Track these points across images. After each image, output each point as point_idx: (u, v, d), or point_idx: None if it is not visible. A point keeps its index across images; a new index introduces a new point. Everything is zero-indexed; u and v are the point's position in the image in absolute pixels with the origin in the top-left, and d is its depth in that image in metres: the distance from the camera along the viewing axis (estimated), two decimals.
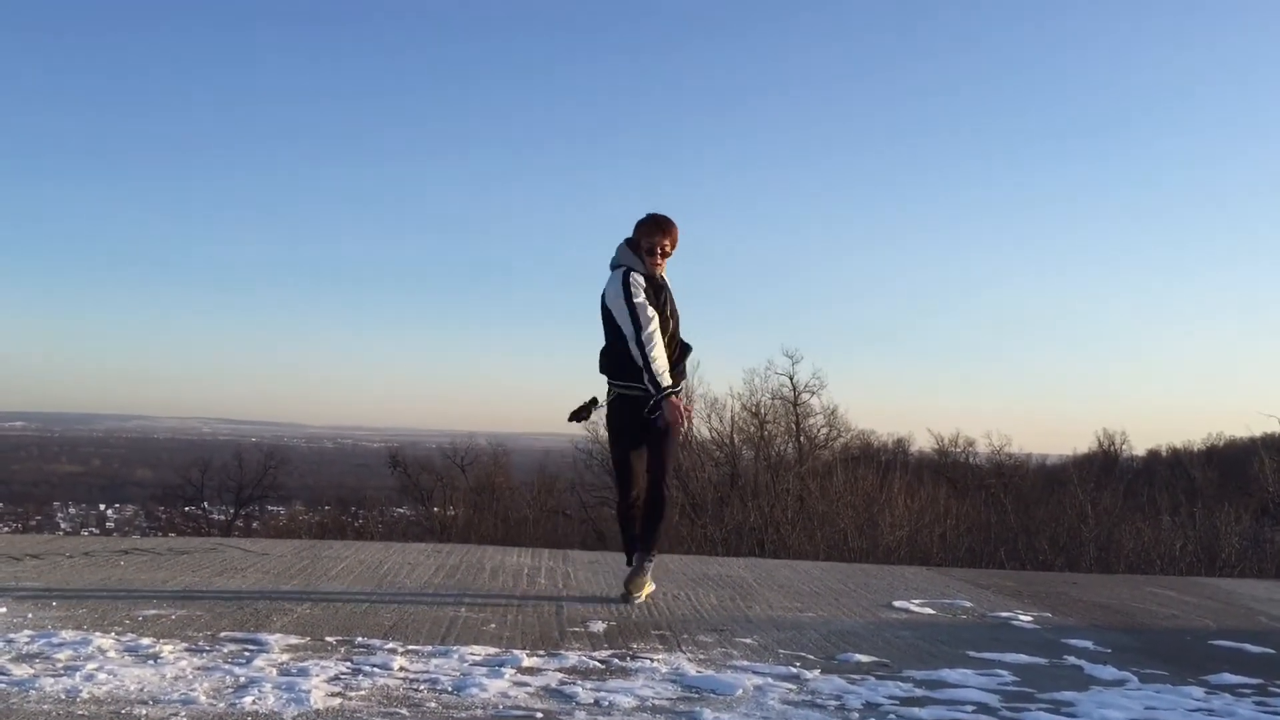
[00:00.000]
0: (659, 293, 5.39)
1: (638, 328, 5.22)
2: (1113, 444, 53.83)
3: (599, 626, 4.85)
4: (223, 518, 52.50)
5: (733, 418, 34.90)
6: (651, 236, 5.39)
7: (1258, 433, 37.92)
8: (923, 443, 46.98)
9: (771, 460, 31.99)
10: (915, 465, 38.79)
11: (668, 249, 5.43)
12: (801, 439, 36.38)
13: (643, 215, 5.48)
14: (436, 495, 44.88)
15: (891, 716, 3.57)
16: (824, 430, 37.75)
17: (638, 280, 5.30)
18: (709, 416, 35.11)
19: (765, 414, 35.70)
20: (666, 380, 5.23)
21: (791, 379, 36.95)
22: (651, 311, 5.25)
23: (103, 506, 73.07)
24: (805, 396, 37.02)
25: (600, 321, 5.49)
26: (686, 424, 5.09)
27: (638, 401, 5.37)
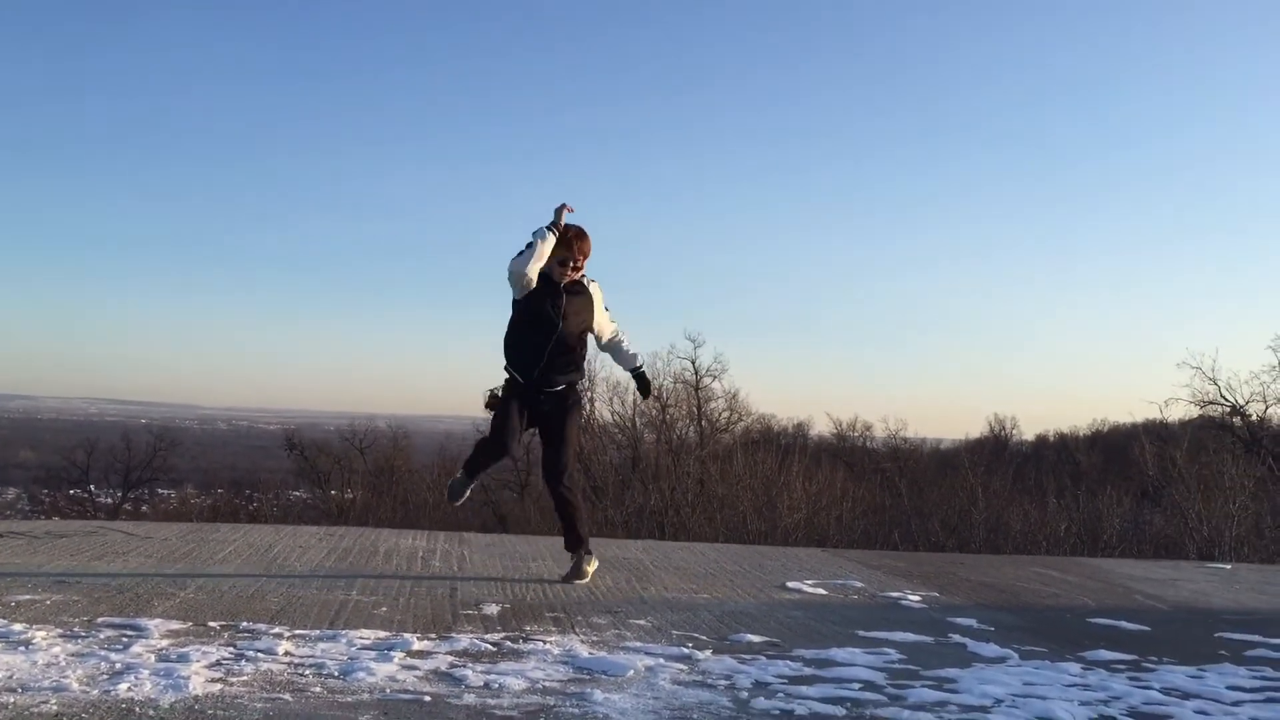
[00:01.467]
0: (558, 297, 5.46)
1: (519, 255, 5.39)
2: (1003, 429, 55.50)
3: (492, 609, 4.81)
4: (110, 501, 50.96)
5: (634, 401, 35.04)
6: (561, 249, 5.44)
7: (1139, 418, 39.48)
8: (822, 427, 47.83)
9: (673, 444, 32.20)
10: (814, 449, 39.45)
11: (579, 262, 5.49)
12: (703, 423, 36.69)
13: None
14: (334, 478, 44.28)
15: (780, 695, 3.61)
16: (725, 414, 38.17)
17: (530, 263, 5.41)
18: (611, 400, 35.22)
19: (667, 398, 35.88)
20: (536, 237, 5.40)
21: (694, 363, 37.26)
22: (528, 266, 5.37)
23: None
24: (707, 380, 37.38)
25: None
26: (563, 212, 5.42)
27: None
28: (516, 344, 5.54)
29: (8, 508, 58.16)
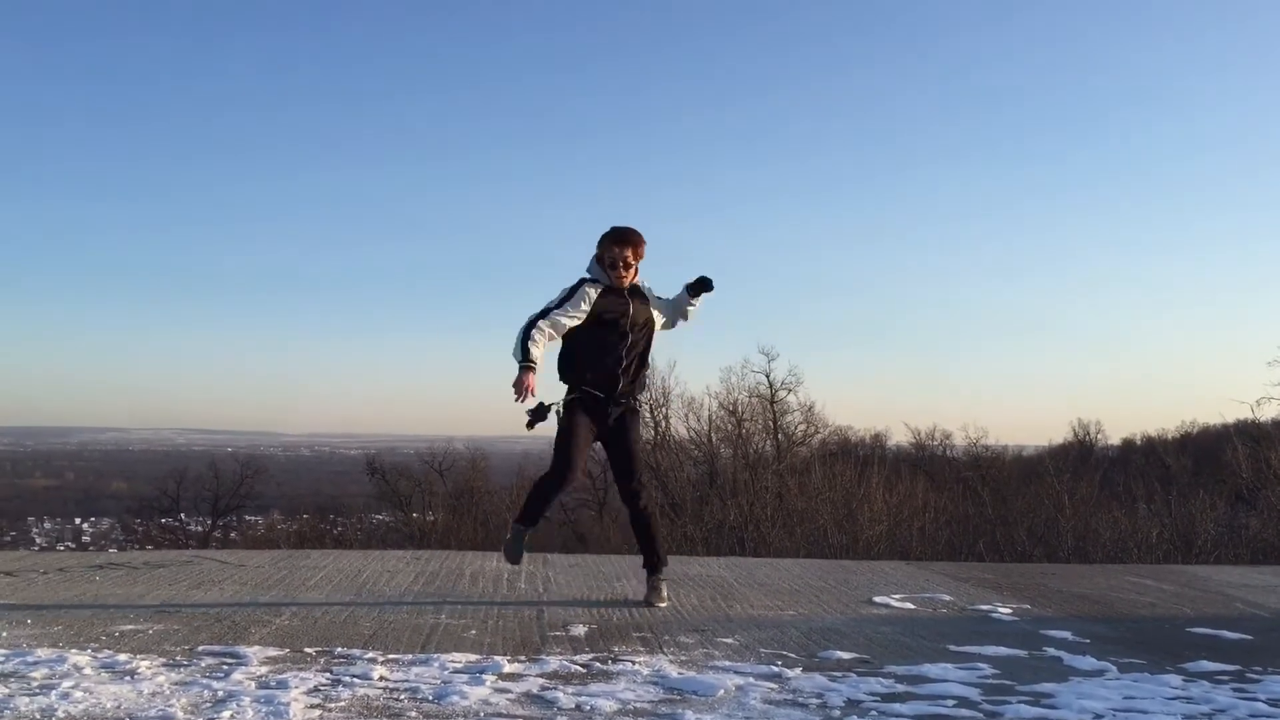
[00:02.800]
0: (620, 304, 5.41)
1: (543, 311, 5.30)
2: (1088, 434, 54.26)
3: (580, 630, 4.84)
4: (200, 529, 52.09)
5: (710, 416, 35.00)
6: (610, 249, 5.41)
7: (1230, 419, 38.31)
8: (900, 437, 47.21)
9: (750, 458, 32.04)
10: (893, 460, 38.92)
11: (630, 260, 5.43)
12: (779, 436, 36.49)
13: (606, 229, 5.50)
14: (415, 501, 44.75)
15: (873, 713, 3.58)
16: (801, 427, 37.91)
17: (585, 293, 5.35)
18: (686, 416, 35.19)
19: (742, 412, 35.79)
20: (516, 353, 5.25)
21: (768, 376, 37.10)
22: (562, 320, 5.30)
23: (78, 520, 72.47)
24: (782, 394, 37.18)
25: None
26: (520, 399, 5.16)
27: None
28: (591, 357, 5.41)
29: (103, 537, 59.94)
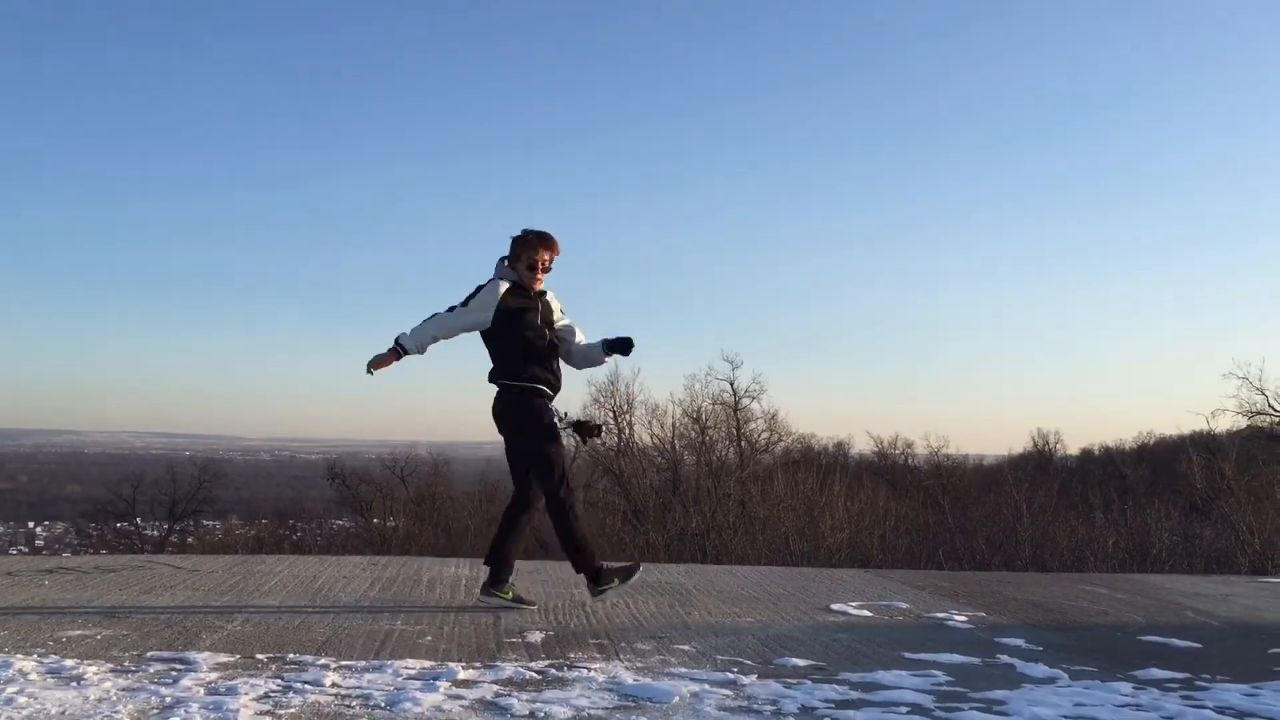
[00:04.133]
0: (534, 305, 5.41)
1: (456, 308, 5.31)
2: (1047, 444, 54.76)
3: (537, 637, 4.82)
4: (156, 533, 51.46)
5: (674, 423, 35.08)
6: (536, 251, 5.42)
7: (1186, 431, 38.86)
8: (862, 445, 47.56)
9: (713, 465, 32.12)
10: (855, 468, 39.20)
11: (548, 263, 5.46)
12: (742, 444, 36.59)
13: (520, 231, 5.49)
14: (376, 506, 44.47)
15: (826, 719, 3.59)
16: (765, 435, 38.05)
17: (494, 292, 5.33)
18: (650, 422, 35.24)
19: (706, 419, 35.90)
20: (408, 342, 5.29)
21: (732, 384, 37.21)
22: (470, 318, 5.32)
23: (31, 524, 71.23)
24: (746, 401, 37.30)
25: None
26: (370, 373, 5.25)
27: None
28: (536, 356, 5.39)
29: (56, 541, 59.00)
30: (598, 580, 5.41)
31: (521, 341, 5.36)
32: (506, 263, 5.46)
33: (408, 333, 5.30)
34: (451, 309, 5.33)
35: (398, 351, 5.27)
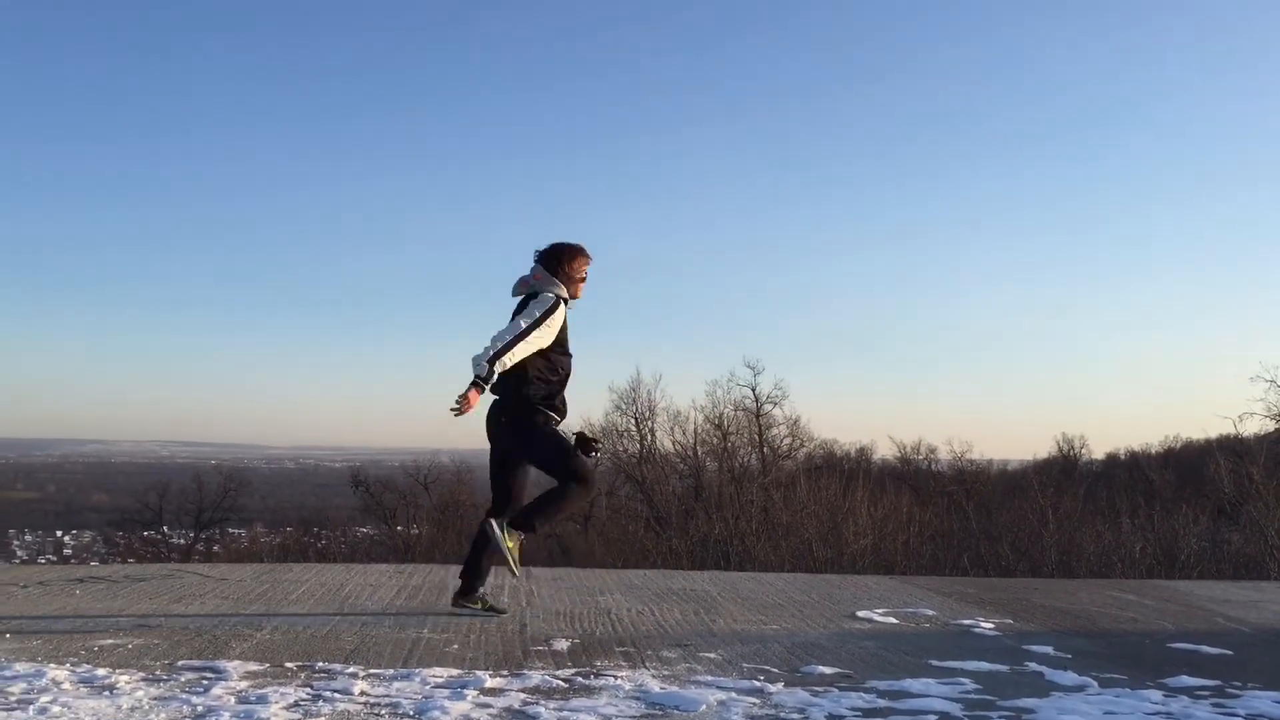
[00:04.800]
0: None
1: (530, 329, 5.17)
2: (1072, 448, 54.40)
3: (563, 644, 4.83)
4: (183, 542, 51.76)
5: (696, 430, 35.09)
6: (585, 262, 5.44)
7: (1213, 434, 38.57)
8: (885, 451, 47.28)
9: (735, 471, 32.09)
10: (878, 474, 39.01)
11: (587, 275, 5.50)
12: (765, 450, 36.56)
13: (556, 242, 5.46)
14: (400, 514, 44.65)
15: None
16: (787, 440, 38.02)
17: (561, 312, 5.29)
18: (672, 429, 35.24)
19: (728, 425, 35.89)
20: (487, 373, 5.08)
21: (754, 390, 37.20)
22: (544, 339, 5.21)
23: (59, 533, 71.91)
24: (768, 407, 37.28)
25: None
26: (458, 414, 5.05)
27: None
28: (556, 377, 5.35)
29: (84, 550, 59.50)
30: (514, 525, 5.34)
31: (558, 362, 5.35)
32: (547, 273, 5.38)
33: (484, 363, 5.05)
34: (524, 330, 5.14)
35: (479, 386, 5.06)
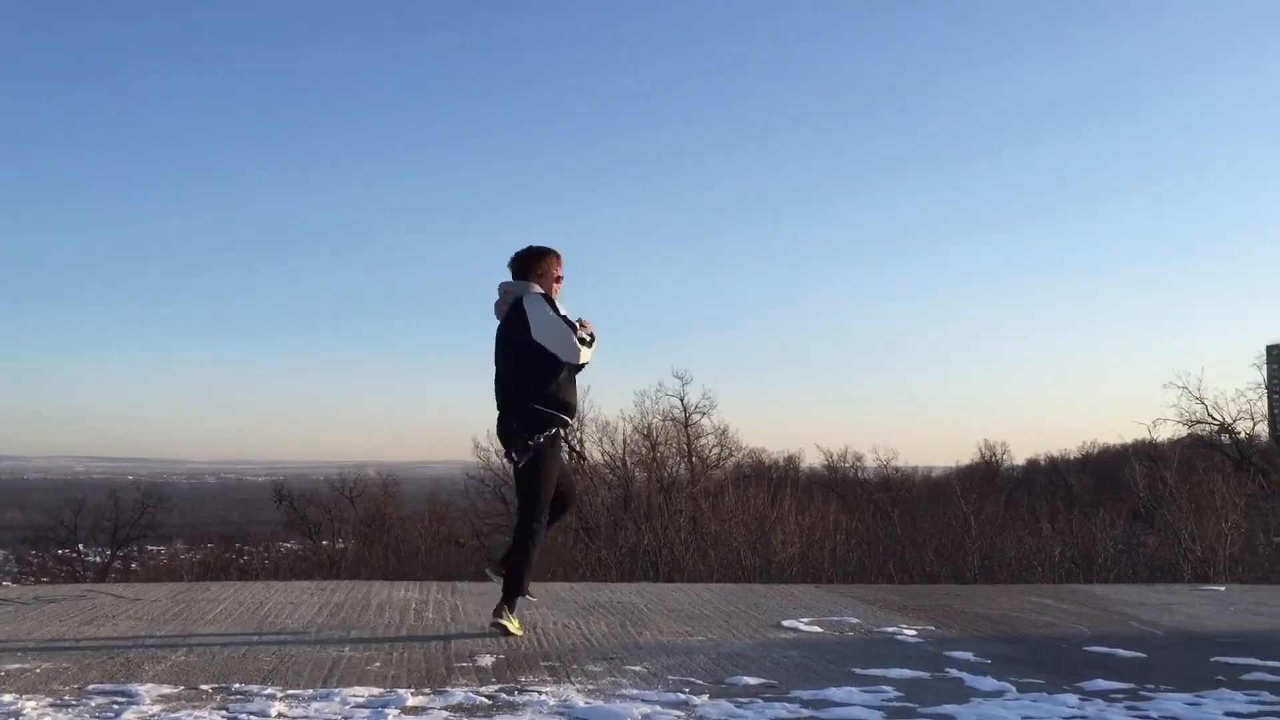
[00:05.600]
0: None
1: (572, 333, 5.29)
2: (994, 455, 55.53)
3: (487, 660, 4.78)
4: (99, 560, 50.48)
5: (624, 440, 35.06)
6: (558, 267, 5.51)
7: (1129, 439, 39.58)
8: (813, 459, 47.83)
9: (664, 481, 32.15)
10: (806, 482, 39.40)
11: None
12: (693, 459, 36.69)
13: (526, 247, 5.54)
14: (325, 529, 43.97)
15: None
16: (715, 450, 38.21)
17: (553, 304, 5.40)
18: (600, 440, 35.15)
19: (657, 436, 35.95)
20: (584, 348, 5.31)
21: (682, 400, 37.35)
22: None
23: None
24: (696, 417, 37.45)
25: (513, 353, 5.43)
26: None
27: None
28: (565, 383, 5.40)
29: None
30: (509, 607, 5.37)
31: (565, 365, 5.37)
32: (525, 278, 5.45)
33: (576, 347, 5.28)
34: (565, 325, 5.30)
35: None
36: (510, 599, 5.39)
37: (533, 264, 5.48)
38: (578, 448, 5.71)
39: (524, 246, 5.54)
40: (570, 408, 5.44)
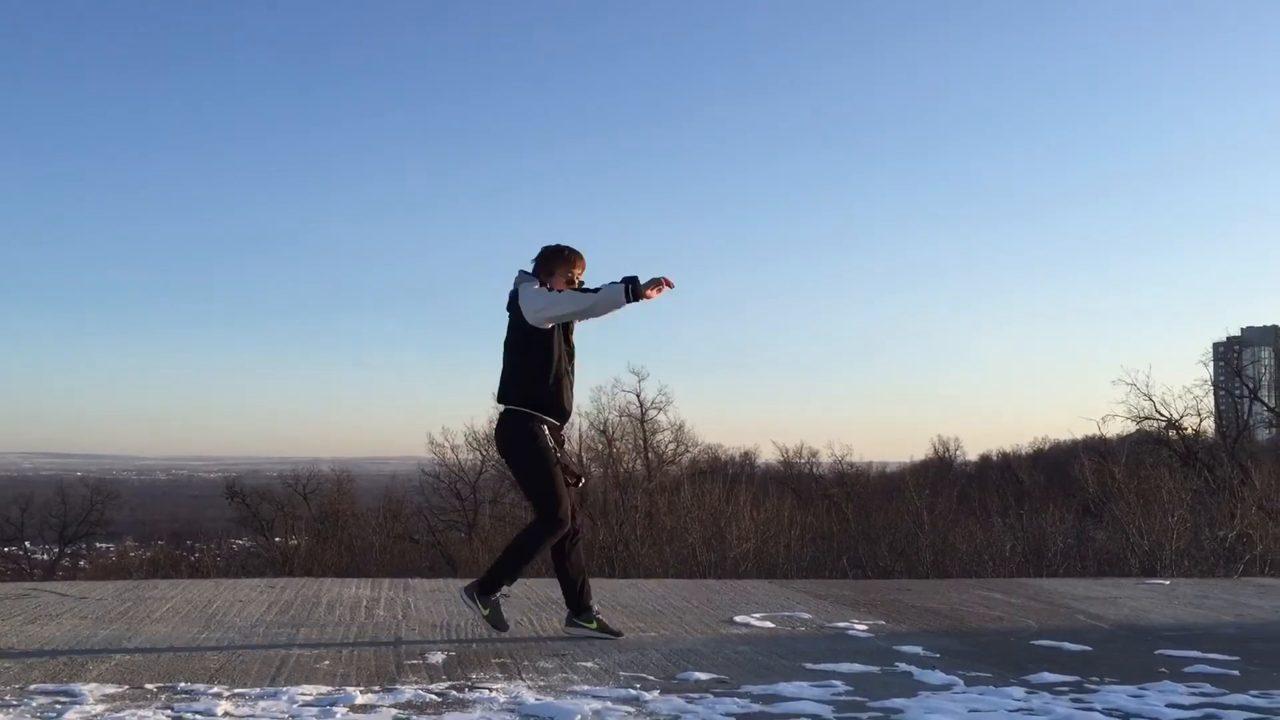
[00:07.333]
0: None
1: (583, 298, 5.17)
2: (947, 450, 56.07)
3: (438, 657, 4.76)
4: (46, 558, 49.67)
5: (580, 436, 34.96)
6: (575, 269, 5.34)
7: (1079, 435, 40.09)
8: (768, 455, 47.98)
9: (620, 477, 32.14)
10: (761, 478, 39.54)
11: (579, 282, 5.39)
12: (649, 455, 36.73)
13: (554, 246, 5.39)
14: (278, 525, 43.55)
15: None
16: (671, 446, 38.27)
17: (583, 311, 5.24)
18: None
19: (613, 431, 35.95)
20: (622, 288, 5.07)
21: (638, 396, 37.36)
22: (582, 304, 5.17)
23: None
24: (652, 413, 37.48)
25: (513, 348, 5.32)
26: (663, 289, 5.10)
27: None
28: (559, 381, 5.22)
29: None
30: (483, 592, 5.19)
31: (564, 363, 5.25)
32: (537, 274, 5.30)
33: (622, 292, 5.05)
34: (586, 298, 5.15)
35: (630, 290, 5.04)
36: (493, 584, 5.20)
37: (547, 263, 5.33)
38: (576, 469, 5.50)
39: (554, 244, 5.37)
40: (557, 408, 5.24)
